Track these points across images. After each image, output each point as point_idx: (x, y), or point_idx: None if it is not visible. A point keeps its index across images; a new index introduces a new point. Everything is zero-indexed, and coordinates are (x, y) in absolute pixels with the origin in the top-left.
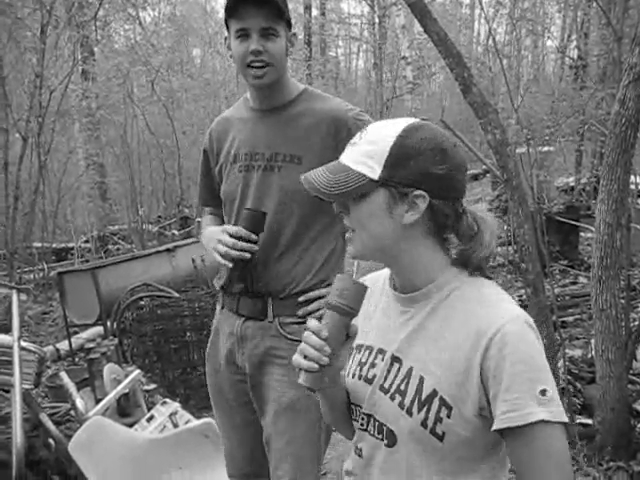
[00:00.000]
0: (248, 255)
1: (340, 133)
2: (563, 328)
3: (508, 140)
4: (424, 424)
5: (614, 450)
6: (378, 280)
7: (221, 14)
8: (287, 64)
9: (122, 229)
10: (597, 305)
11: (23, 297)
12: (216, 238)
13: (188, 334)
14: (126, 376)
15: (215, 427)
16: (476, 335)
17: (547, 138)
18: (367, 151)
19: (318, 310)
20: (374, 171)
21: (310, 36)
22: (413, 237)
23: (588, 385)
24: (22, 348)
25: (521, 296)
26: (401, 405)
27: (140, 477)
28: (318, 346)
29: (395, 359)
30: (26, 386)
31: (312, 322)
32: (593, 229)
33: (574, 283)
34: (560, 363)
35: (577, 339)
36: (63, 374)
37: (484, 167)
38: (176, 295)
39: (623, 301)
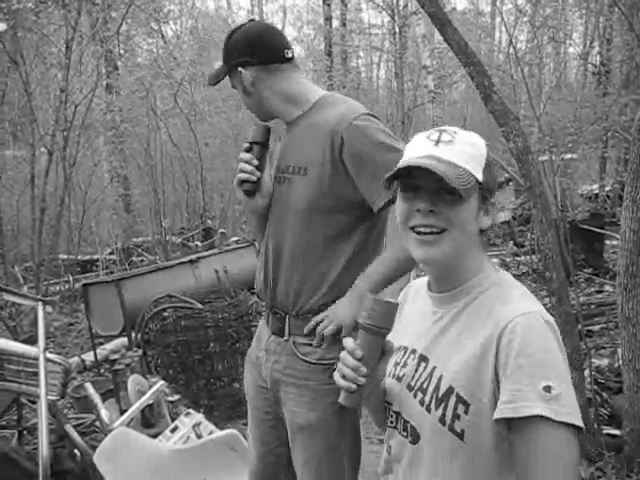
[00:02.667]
0: (249, 167)
1: (334, 142)
2: (589, 337)
3: (530, 148)
4: (442, 421)
5: None
6: (423, 282)
7: None
8: (264, 93)
9: (146, 241)
10: (623, 313)
11: (49, 309)
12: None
13: (212, 345)
14: (150, 387)
15: (240, 438)
16: (492, 330)
17: (570, 145)
18: (469, 153)
19: (333, 332)
20: (477, 173)
21: (331, 47)
22: (476, 242)
23: (615, 395)
24: (48, 359)
25: (546, 304)
26: (422, 402)
27: None
28: (354, 367)
29: (423, 358)
30: (52, 397)
31: (348, 342)
32: (618, 236)
33: (599, 292)
34: (586, 373)
35: (603, 348)
36: (88, 385)
37: (507, 175)
38: (199, 306)
39: None
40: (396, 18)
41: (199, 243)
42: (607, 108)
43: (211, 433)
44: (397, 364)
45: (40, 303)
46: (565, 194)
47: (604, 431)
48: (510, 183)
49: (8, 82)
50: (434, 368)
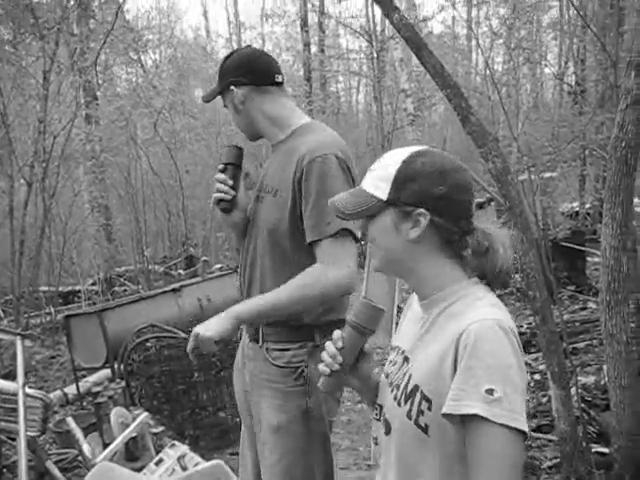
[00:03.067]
0: (224, 187)
1: (297, 172)
2: (574, 355)
3: (509, 168)
4: (409, 415)
5: (633, 479)
6: None
7: (221, 54)
8: (253, 113)
9: (128, 270)
10: (607, 330)
11: (28, 343)
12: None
13: (196, 374)
14: (134, 419)
15: (226, 469)
16: (452, 336)
17: (548, 164)
18: (379, 175)
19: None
20: (384, 193)
21: (310, 72)
22: (422, 252)
23: (603, 412)
24: (27, 395)
25: (530, 324)
26: (395, 397)
27: None
28: (331, 354)
29: (406, 359)
30: (32, 433)
31: (335, 333)
32: (599, 253)
33: (583, 309)
34: (573, 391)
35: (589, 365)
36: (70, 420)
37: (488, 195)
38: (183, 335)
39: (633, 325)
40: (374, 43)
41: (182, 271)
42: (584, 127)
43: (197, 465)
44: (390, 362)
45: (19, 337)
46: (546, 212)
47: (593, 449)
48: (492, 203)
49: None
50: (409, 367)
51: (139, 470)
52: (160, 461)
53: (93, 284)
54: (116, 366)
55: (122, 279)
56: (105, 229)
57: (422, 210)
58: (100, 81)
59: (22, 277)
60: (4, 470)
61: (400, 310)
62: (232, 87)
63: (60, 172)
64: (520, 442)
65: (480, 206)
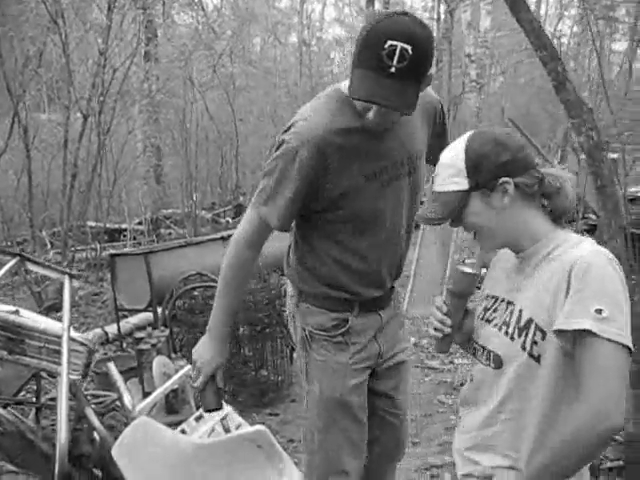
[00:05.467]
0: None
1: (435, 118)
2: None
3: (604, 143)
4: (523, 347)
5: None
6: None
7: (284, 4)
8: None
9: (175, 213)
10: None
11: (76, 283)
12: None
13: (241, 328)
14: (176, 371)
15: (269, 437)
16: (564, 270)
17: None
18: (450, 173)
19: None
20: (463, 184)
21: None
22: (515, 213)
23: None
24: (72, 339)
25: None
26: (506, 333)
27: None
28: (440, 319)
29: (509, 303)
30: (73, 376)
31: (437, 301)
32: None
33: None
34: None
35: None
36: (111, 365)
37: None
38: None
39: None
40: (443, 2)
41: (230, 220)
42: None
43: (239, 427)
44: (487, 309)
45: (67, 277)
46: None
47: None
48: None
49: (47, 43)
50: (516, 307)
51: (178, 424)
52: (200, 417)
53: (139, 224)
54: (159, 311)
55: (168, 222)
56: (155, 170)
57: (503, 179)
58: (162, 20)
59: (71, 210)
60: (42, 407)
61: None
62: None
63: (116, 108)
64: (626, 357)
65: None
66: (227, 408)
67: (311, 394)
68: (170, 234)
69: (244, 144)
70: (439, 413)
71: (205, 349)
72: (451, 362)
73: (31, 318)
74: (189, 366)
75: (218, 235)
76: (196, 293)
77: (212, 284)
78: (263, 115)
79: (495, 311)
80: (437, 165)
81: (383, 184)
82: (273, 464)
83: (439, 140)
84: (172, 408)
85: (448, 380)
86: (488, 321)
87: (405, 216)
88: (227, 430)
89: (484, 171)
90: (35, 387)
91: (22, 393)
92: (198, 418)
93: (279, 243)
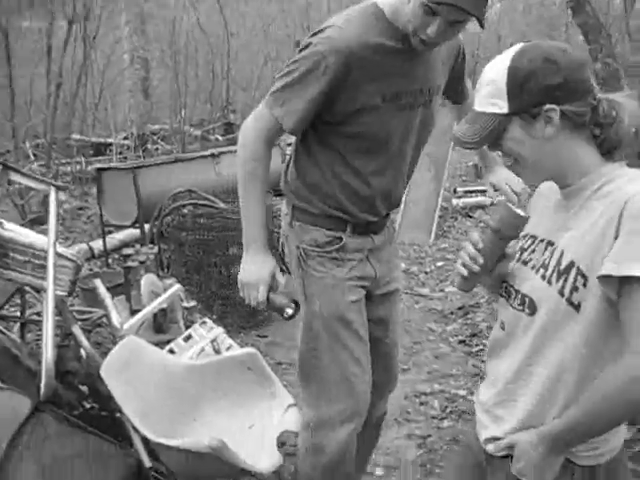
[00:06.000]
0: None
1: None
2: None
3: (621, 73)
4: (561, 292)
5: None
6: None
7: None
8: None
9: (163, 129)
10: None
11: (62, 196)
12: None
13: (231, 249)
14: (165, 290)
15: (260, 360)
16: (614, 208)
17: None
18: (489, 92)
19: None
20: (502, 107)
21: None
22: (560, 144)
23: None
24: (58, 254)
25: None
26: (543, 276)
27: (175, 404)
28: (472, 255)
29: (549, 243)
30: (60, 293)
31: (473, 235)
32: None
33: None
34: None
35: None
36: (98, 282)
37: None
38: (222, 205)
39: None
40: None
41: (220, 137)
42: None
43: (229, 348)
44: (524, 250)
45: (53, 188)
46: None
47: None
48: None
49: None
50: (557, 248)
51: (166, 343)
52: (189, 337)
53: (125, 138)
54: (147, 228)
55: (155, 137)
56: (143, 83)
57: (549, 105)
58: None
59: (55, 122)
60: (27, 323)
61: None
62: None
63: (102, 16)
64: None
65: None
66: (218, 329)
67: (310, 314)
68: (157, 149)
69: (235, 60)
70: (429, 341)
71: (250, 269)
72: (441, 290)
73: (15, 231)
74: (178, 285)
75: (208, 152)
76: (185, 211)
77: (202, 202)
78: (255, 30)
79: (533, 252)
80: (479, 80)
81: (398, 108)
82: (263, 387)
83: (456, 81)
84: (160, 328)
85: (438, 308)
86: (525, 263)
87: (411, 146)
88: (217, 352)
89: (527, 94)
90: (19, 302)
91: (5, 307)
92: (187, 338)
93: (272, 161)
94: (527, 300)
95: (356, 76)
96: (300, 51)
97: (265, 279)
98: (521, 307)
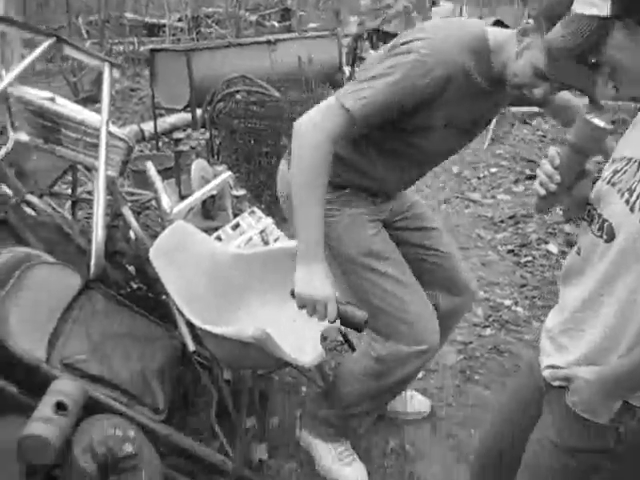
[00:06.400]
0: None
1: None
2: None
3: None
4: None
5: None
6: None
7: None
8: None
9: (217, 12)
10: None
11: (116, 74)
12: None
13: (284, 139)
14: (215, 176)
15: None
16: None
17: None
18: None
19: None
20: (603, 9)
21: None
22: None
23: None
24: (110, 133)
25: None
26: (627, 202)
27: (221, 292)
28: (549, 173)
29: None
30: (111, 173)
31: (551, 151)
32: None
33: None
34: None
35: None
36: (149, 164)
37: None
38: (276, 94)
39: None
40: None
41: (276, 23)
42: None
43: (277, 239)
44: (616, 172)
45: (107, 64)
46: None
47: None
48: None
49: None
50: None
51: (214, 230)
52: (237, 226)
53: (179, 20)
54: (199, 113)
55: (210, 20)
56: None
57: None
58: None
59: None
60: (78, 200)
61: None
62: None
63: None
64: None
65: None
66: (267, 220)
67: (341, 262)
68: (211, 33)
69: None
70: (477, 247)
71: (314, 284)
72: (493, 197)
73: (68, 107)
74: (228, 172)
75: (264, 38)
76: (239, 97)
77: (256, 89)
78: None
79: (624, 173)
80: None
81: (452, 133)
82: None
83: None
84: (209, 214)
85: (488, 215)
86: (613, 184)
87: (442, 157)
88: (266, 242)
89: None
90: (71, 179)
91: (57, 185)
92: (235, 227)
93: (329, 53)
94: (606, 226)
95: (448, 96)
96: (396, 54)
97: (332, 295)
98: (600, 233)
